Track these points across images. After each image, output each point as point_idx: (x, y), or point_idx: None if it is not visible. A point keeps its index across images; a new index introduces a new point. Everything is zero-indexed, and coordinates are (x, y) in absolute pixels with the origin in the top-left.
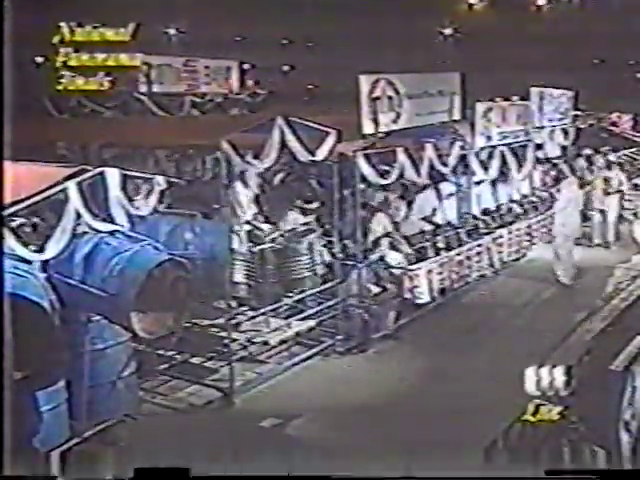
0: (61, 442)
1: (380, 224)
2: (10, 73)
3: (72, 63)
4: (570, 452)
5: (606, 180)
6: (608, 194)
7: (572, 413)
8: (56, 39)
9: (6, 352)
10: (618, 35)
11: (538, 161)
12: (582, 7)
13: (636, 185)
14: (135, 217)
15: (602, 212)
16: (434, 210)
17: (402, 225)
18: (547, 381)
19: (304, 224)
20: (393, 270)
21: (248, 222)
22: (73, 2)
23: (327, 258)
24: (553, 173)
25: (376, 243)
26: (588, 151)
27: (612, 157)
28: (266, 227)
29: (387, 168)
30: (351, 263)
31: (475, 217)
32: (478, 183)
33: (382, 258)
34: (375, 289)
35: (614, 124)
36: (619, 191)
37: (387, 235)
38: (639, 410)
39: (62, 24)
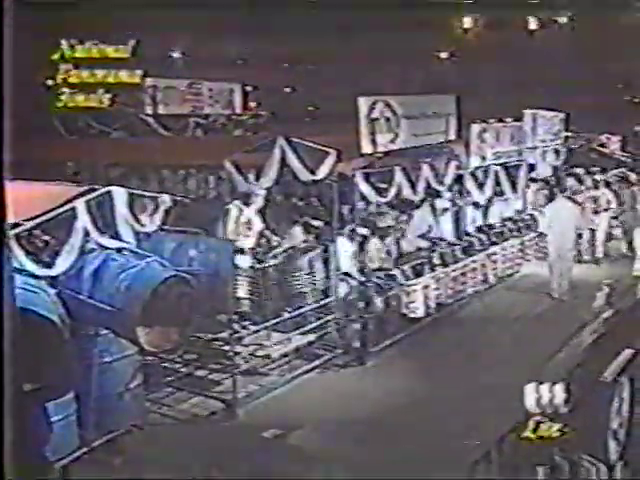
0: (71, 451)
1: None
2: (20, 95)
3: (72, 80)
4: (562, 461)
5: (595, 199)
6: (597, 213)
7: (563, 422)
8: (56, 56)
9: (6, 363)
10: (607, 60)
11: (531, 180)
12: (572, 31)
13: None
14: (141, 234)
15: (591, 230)
16: (430, 227)
17: (400, 242)
18: (547, 398)
19: (305, 241)
20: (389, 285)
21: (247, 242)
22: (76, 24)
23: (326, 274)
24: (545, 192)
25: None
26: (578, 170)
27: (600, 176)
28: (268, 244)
29: (385, 186)
30: (349, 278)
31: (470, 234)
32: (474, 202)
33: (379, 275)
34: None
35: (603, 145)
36: (607, 209)
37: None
38: (626, 419)
39: (62, 41)
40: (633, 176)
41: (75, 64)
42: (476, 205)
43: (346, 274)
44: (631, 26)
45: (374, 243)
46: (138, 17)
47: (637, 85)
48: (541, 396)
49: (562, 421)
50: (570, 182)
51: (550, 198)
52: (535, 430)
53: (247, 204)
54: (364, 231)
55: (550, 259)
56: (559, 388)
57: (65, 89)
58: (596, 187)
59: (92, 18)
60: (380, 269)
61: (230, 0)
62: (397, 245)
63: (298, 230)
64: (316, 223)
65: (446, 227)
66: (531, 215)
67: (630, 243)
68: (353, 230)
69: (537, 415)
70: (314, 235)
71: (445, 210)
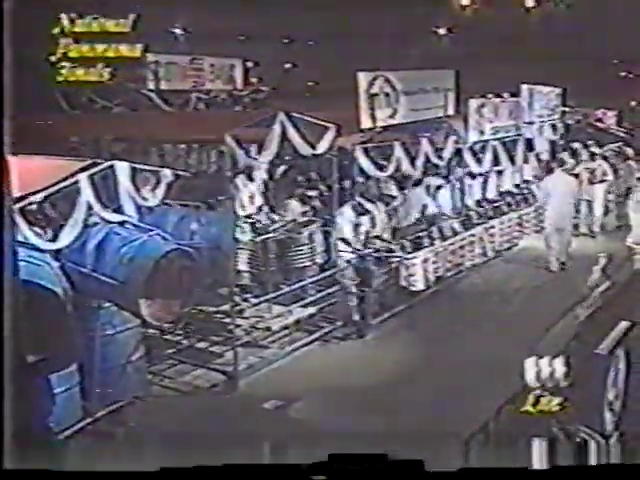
0: (74, 422)
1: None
2: (22, 69)
3: (72, 54)
4: (558, 432)
5: (591, 171)
6: (592, 184)
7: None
8: (56, 30)
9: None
10: (603, 36)
11: (529, 155)
12: (569, 8)
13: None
14: (144, 208)
15: (588, 202)
16: (424, 206)
17: (398, 216)
18: (547, 372)
19: (304, 213)
20: (389, 259)
21: (248, 216)
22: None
23: (326, 248)
24: (542, 166)
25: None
26: (575, 145)
27: (596, 149)
28: (268, 218)
29: (384, 163)
30: (349, 251)
31: (468, 208)
32: (472, 176)
33: (378, 248)
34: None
35: (599, 120)
36: (603, 181)
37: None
38: (622, 391)
39: (62, 15)
40: (629, 150)
41: (75, 38)
42: (473, 178)
43: (345, 241)
44: (628, 2)
45: (376, 211)
46: None
47: (633, 61)
48: (541, 370)
49: (560, 394)
50: (567, 156)
51: (548, 172)
52: (535, 404)
53: (250, 178)
54: (365, 202)
55: (547, 232)
56: (559, 362)
57: (65, 63)
58: (593, 159)
59: None
60: (381, 239)
61: None
62: (396, 217)
63: (295, 202)
64: (312, 193)
65: (443, 203)
66: (529, 189)
67: (625, 216)
68: (354, 201)
69: (537, 389)
70: (311, 205)
71: (439, 187)
